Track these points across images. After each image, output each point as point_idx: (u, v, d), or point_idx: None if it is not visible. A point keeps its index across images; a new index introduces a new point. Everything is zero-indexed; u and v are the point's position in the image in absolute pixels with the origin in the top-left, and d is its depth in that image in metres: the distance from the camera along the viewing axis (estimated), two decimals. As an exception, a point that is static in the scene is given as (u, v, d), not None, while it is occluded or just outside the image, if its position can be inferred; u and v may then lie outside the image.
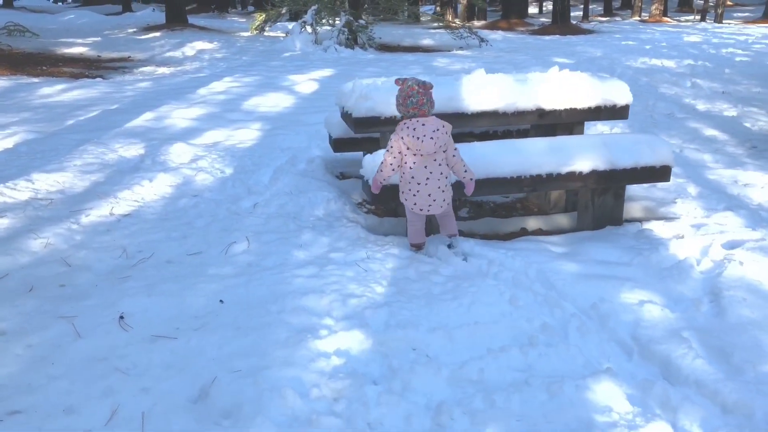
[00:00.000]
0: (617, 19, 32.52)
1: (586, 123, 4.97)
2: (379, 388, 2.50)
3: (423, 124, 3.52)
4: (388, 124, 4.36)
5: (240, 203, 4.55)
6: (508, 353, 2.72)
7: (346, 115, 4.61)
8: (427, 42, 18.03)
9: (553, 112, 4.60)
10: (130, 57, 13.46)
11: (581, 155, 4.14)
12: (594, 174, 4.15)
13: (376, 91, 4.36)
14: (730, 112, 8.09)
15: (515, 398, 2.44)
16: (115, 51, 14.28)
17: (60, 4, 41.54)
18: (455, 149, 3.63)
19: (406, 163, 3.61)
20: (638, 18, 31.29)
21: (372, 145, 5.22)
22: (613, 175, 4.19)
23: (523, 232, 4.52)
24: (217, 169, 5.31)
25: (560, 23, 22.74)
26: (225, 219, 4.26)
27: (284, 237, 3.96)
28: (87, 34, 17.05)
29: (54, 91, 9.09)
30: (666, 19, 30.36)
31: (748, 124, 7.42)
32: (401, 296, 3.20)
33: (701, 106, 8.50)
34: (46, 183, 4.82)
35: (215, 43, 15.04)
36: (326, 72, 11.28)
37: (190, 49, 14.23)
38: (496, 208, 5.06)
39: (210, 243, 3.88)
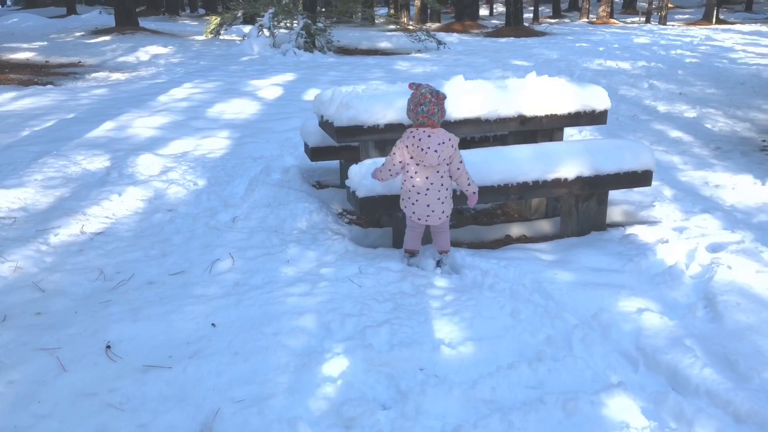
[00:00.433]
0: (566, 20, 33.22)
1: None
2: (391, 414, 2.41)
3: (429, 136, 3.43)
4: (371, 132, 4.28)
5: (218, 217, 4.38)
6: (517, 370, 2.66)
7: (326, 124, 4.50)
8: (384, 45, 17.99)
9: (535, 119, 4.58)
10: (80, 62, 12.97)
11: (566, 162, 4.13)
12: (579, 180, 4.15)
13: (357, 99, 4.26)
14: (690, 113, 8.29)
15: (531, 418, 2.39)
16: (64, 56, 13.74)
17: (1, 7, 39.94)
18: (461, 162, 3.54)
19: (407, 171, 3.53)
20: (586, 20, 32.01)
21: (350, 154, 5.14)
22: (598, 180, 4.20)
23: (508, 239, 4.50)
24: (189, 180, 5.12)
25: (514, 25, 23.04)
26: (204, 234, 4.10)
27: (269, 252, 3.82)
28: (32, 38, 16.38)
29: (4, 100, 8.67)
30: (613, 20, 31.15)
31: (708, 125, 7.61)
32: (400, 312, 3.11)
33: (662, 107, 8.69)
34: (5, 200, 4.56)
35: (170, 47, 14.64)
36: (288, 77, 11.10)
37: (144, 53, 13.82)
38: (477, 215, 5.02)
39: (192, 261, 3.71)
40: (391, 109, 4.26)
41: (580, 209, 4.35)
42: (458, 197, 3.83)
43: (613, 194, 5.01)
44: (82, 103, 8.33)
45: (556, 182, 4.12)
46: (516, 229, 4.62)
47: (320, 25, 15.55)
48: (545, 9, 40.26)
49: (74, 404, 2.41)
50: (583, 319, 3.09)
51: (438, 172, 3.50)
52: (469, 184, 3.60)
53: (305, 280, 3.44)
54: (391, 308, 3.16)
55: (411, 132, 3.47)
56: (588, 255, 3.88)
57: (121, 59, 13.31)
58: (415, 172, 3.50)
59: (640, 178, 4.32)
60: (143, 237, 4.05)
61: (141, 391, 2.51)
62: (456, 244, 4.26)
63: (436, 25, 25.79)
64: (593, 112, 4.72)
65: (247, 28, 19.43)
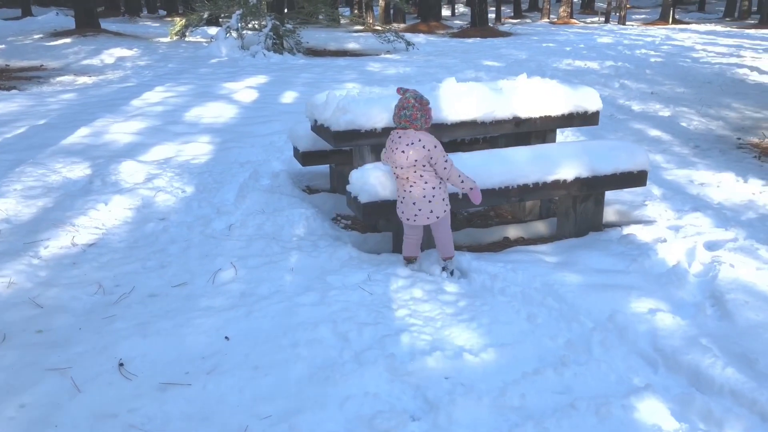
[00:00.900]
0: (527, 21, 33.64)
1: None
2: (423, 425, 2.37)
3: (400, 137, 3.45)
4: (369, 137, 4.23)
5: (212, 225, 4.27)
6: (543, 375, 2.65)
7: (320, 128, 4.43)
8: (352, 46, 17.92)
9: (529, 121, 4.60)
10: (42, 66, 12.57)
11: (565, 163, 4.15)
12: (577, 181, 4.17)
13: (354, 103, 4.20)
14: (664, 112, 8.45)
15: (565, 424, 2.37)
16: (25, 59, 13.30)
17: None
18: (445, 161, 3.50)
19: (393, 173, 3.55)
20: (547, 20, 32.47)
21: (341, 158, 5.08)
22: (595, 181, 4.23)
23: (506, 241, 4.50)
24: (177, 188, 4.98)
25: (479, 26, 23.21)
26: (201, 243, 3.98)
27: (271, 261, 3.73)
28: (-12, 41, 15.81)
29: (-33, 106, 8.32)
30: (573, 21, 31.67)
31: (684, 124, 7.77)
32: (416, 319, 3.07)
33: (636, 107, 8.84)
34: (-14, 211, 4.36)
35: (135, 49, 14.30)
36: (260, 79, 10.94)
37: (109, 56, 13.46)
38: (470, 218, 5.01)
39: (193, 272, 3.61)
40: (388, 113, 4.20)
41: (578, 210, 4.37)
42: (462, 201, 3.81)
43: (606, 194, 5.05)
44: (52, 109, 8.05)
45: (555, 184, 4.13)
46: (513, 231, 4.63)
47: (289, 26, 15.40)
48: (506, 9, 40.73)
49: (94, 427, 2.30)
50: (598, 322, 3.10)
51: (416, 172, 3.46)
52: (462, 182, 3.55)
53: (314, 289, 3.37)
54: (406, 315, 3.12)
55: (390, 134, 3.53)
56: (591, 256, 3.90)
57: (85, 62, 12.94)
58: (396, 175, 3.53)
59: (635, 178, 4.36)
60: (138, 248, 3.92)
61: (162, 410, 2.41)
62: (455, 247, 4.24)
63: (402, 25, 25.81)
64: (585, 113, 4.76)
65: (211, 30, 19.12)
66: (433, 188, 3.50)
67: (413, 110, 3.41)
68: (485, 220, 5.00)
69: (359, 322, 3.03)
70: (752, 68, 12.50)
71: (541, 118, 4.63)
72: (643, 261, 3.76)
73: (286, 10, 17.23)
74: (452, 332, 2.96)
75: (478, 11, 23.41)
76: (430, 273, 3.65)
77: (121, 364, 2.66)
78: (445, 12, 39.66)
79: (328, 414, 2.39)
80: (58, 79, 10.98)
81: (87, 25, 16.96)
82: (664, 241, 4.07)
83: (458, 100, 4.41)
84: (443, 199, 3.55)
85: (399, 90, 3.49)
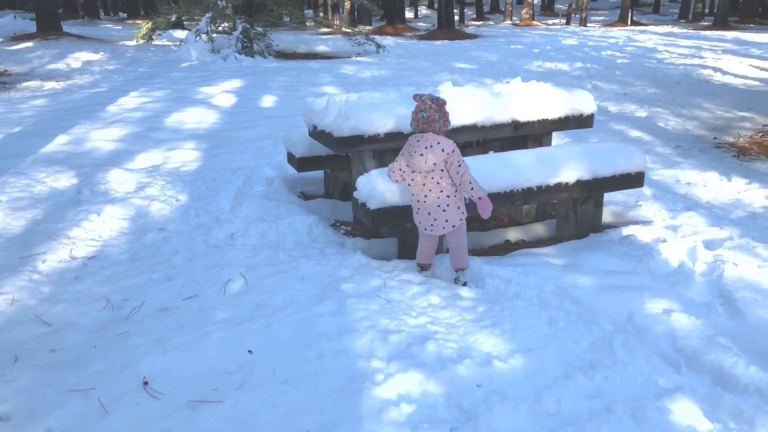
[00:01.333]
0: (490, 23, 34.03)
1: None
2: (465, 434, 2.35)
3: (418, 140, 3.43)
4: (372, 142, 4.20)
5: (213, 234, 4.18)
6: (574, 380, 2.66)
7: (321, 134, 4.38)
8: (322, 48, 17.83)
9: (527, 124, 4.63)
10: (6, 71, 12.16)
11: (566, 166, 4.19)
12: (579, 184, 4.22)
13: (357, 109, 4.17)
14: (641, 113, 8.63)
15: (604, 429, 2.38)
16: (-15, 64, 12.86)
17: None
18: (459, 166, 3.46)
19: (409, 180, 3.51)
20: (510, 22, 32.90)
21: (337, 163, 5.04)
22: (596, 183, 4.28)
23: (507, 244, 4.52)
24: (171, 196, 4.87)
25: (446, 28, 23.36)
26: (206, 254, 3.90)
27: (281, 270, 3.67)
28: (-56, 45, 15.24)
29: (-68, 114, 8.00)
30: (535, 23, 32.15)
31: (661, 124, 7.94)
32: (438, 326, 3.05)
33: (612, 108, 9.00)
34: (-27, 225, 4.19)
35: (101, 53, 13.95)
36: (236, 83, 10.80)
37: (75, 60, 13.10)
38: (468, 221, 5.01)
39: (201, 283, 3.52)
40: (392, 118, 4.20)
41: (579, 212, 4.42)
42: (469, 207, 3.80)
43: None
44: (25, 116, 7.79)
45: (558, 186, 4.16)
46: (513, 234, 4.65)
47: (260, 29, 15.24)
48: (468, 12, 41.09)
49: (128, 450, 2.22)
50: (617, 324, 3.13)
51: (433, 178, 3.45)
52: (472, 189, 3.44)
53: (329, 298, 3.33)
54: (427, 322, 3.10)
55: (408, 138, 3.51)
56: (596, 257, 3.95)
57: (50, 67, 12.58)
58: (412, 180, 3.50)
59: (633, 180, 4.43)
60: (140, 259, 3.81)
61: (195, 429, 2.34)
62: (460, 251, 4.24)
63: (368, 27, 25.80)
64: (581, 115, 4.82)
65: (177, 34, 18.82)
66: (448, 196, 3.48)
67: (431, 111, 3.39)
68: (482, 222, 5.00)
69: (382, 330, 3.00)
70: (715, 69, 12.87)
71: (538, 121, 4.66)
72: (648, 261, 3.82)
73: (257, 13, 17.04)
74: (477, 339, 2.96)
75: (444, 13, 23.56)
76: (444, 279, 3.63)
77: (146, 383, 2.58)
78: (408, 14, 39.80)
79: (368, 427, 2.36)
80: (25, 84, 10.64)
81: (49, 29, 16.50)
82: (665, 241, 4.14)
83: (458, 104, 4.41)
84: (458, 207, 3.53)
85: (415, 97, 3.46)
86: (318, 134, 4.47)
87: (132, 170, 5.44)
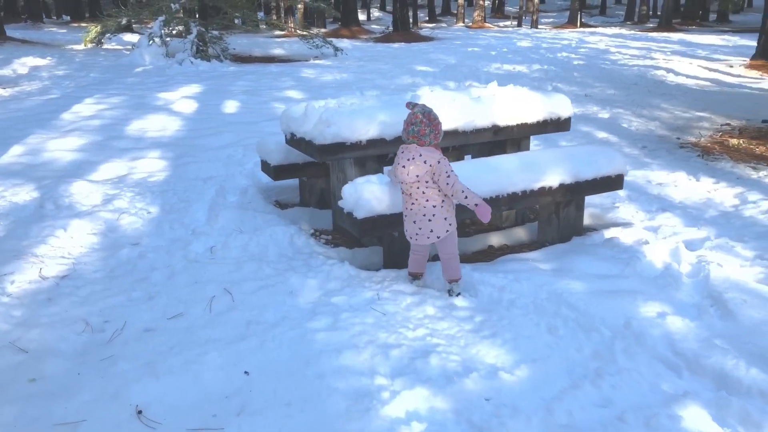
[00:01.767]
0: (443, 25, 34.30)
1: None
2: (480, 452, 2.29)
3: (402, 152, 3.39)
4: (354, 149, 4.11)
5: (192, 248, 4.02)
6: (582, 389, 2.63)
7: (300, 142, 4.26)
8: (278, 52, 17.60)
9: (507, 128, 4.61)
10: (-54, 77, 11.57)
11: (550, 170, 4.18)
12: (562, 187, 4.22)
13: (338, 115, 4.07)
14: (603, 114, 8.77)
15: (619, 439, 2.35)
16: (-76, 70, 12.20)
17: None
18: (448, 176, 3.39)
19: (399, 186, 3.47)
20: (463, 24, 33.22)
21: (314, 170, 4.93)
22: (578, 187, 4.29)
23: (491, 250, 4.49)
24: (141, 209, 4.67)
25: (402, 30, 23.39)
26: (186, 269, 3.73)
27: (267, 284, 3.54)
28: None
29: None
30: (487, 25, 32.56)
31: (625, 125, 8.08)
32: (438, 338, 2.98)
33: (576, 109, 9.11)
34: (-71, 244, 3.92)
35: (49, 58, 13.43)
36: (195, 88, 10.52)
37: (21, 65, 12.57)
38: (448, 227, 4.97)
39: (185, 301, 3.36)
40: (374, 124, 4.12)
41: (561, 215, 4.42)
42: (466, 212, 3.74)
43: (578, 198, 5.15)
44: (-27, 125, 7.40)
45: (542, 191, 4.15)
46: (495, 239, 4.63)
47: (215, 32, 14.92)
48: (420, 14, 41.30)
49: (128, 487, 2.08)
50: (616, 330, 3.12)
51: (419, 188, 3.39)
52: (466, 197, 3.38)
53: (322, 312, 3.22)
54: (426, 335, 3.03)
55: (399, 149, 3.47)
56: (583, 261, 3.94)
57: (-5, 73, 12.03)
58: (401, 190, 3.47)
59: (613, 182, 4.46)
60: (117, 277, 3.62)
61: (198, 461, 2.21)
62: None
63: (323, 30, 25.62)
64: (559, 119, 4.83)
65: (128, 37, 18.30)
66: (434, 206, 3.40)
67: (421, 126, 3.33)
68: (462, 228, 4.96)
69: (381, 345, 2.91)
70: (668, 70, 13.23)
71: (518, 125, 4.65)
72: (635, 264, 3.84)
73: (212, 16, 16.69)
74: (479, 350, 2.90)
75: (399, 16, 23.59)
76: (436, 288, 3.57)
77: (140, 412, 2.43)
78: (361, 16, 39.76)
79: (381, 449, 2.27)
80: (-31, 91, 10.13)
81: (-9, 33, 15.81)
82: (647, 242, 4.18)
83: (439, 110, 4.34)
84: (445, 218, 3.44)
85: (408, 105, 3.40)
86: (297, 142, 4.35)
87: (96, 182, 5.20)
